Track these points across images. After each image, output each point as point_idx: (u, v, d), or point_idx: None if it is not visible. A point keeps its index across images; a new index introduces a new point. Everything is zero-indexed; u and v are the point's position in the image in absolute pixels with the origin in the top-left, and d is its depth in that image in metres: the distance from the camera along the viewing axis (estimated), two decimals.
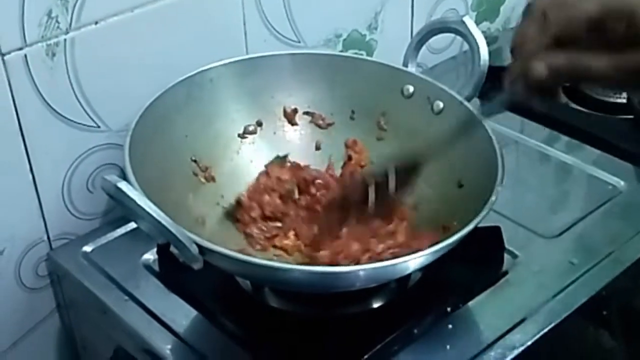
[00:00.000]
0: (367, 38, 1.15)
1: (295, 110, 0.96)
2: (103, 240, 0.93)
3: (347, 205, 0.86)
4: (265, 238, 0.88)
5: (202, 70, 0.90)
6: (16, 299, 0.93)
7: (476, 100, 0.91)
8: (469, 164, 0.85)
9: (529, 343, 0.78)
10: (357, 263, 0.80)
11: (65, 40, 0.85)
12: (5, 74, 0.82)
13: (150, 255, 0.89)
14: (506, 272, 0.86)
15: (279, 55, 0.96)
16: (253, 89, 0.94)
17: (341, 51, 1.12)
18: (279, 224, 0.89)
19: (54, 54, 0.85)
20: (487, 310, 0.82)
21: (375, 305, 0.83)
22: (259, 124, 0.95)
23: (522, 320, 0.80)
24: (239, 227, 0.88)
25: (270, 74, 0.94)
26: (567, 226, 0.92)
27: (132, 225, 0.91)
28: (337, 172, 0.95)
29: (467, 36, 0.89)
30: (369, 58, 1.11)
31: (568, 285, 0.84)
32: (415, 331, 0.79)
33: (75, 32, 0.85)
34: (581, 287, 0.84)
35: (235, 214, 0.89)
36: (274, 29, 1.03)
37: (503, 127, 1.07)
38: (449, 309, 0.82)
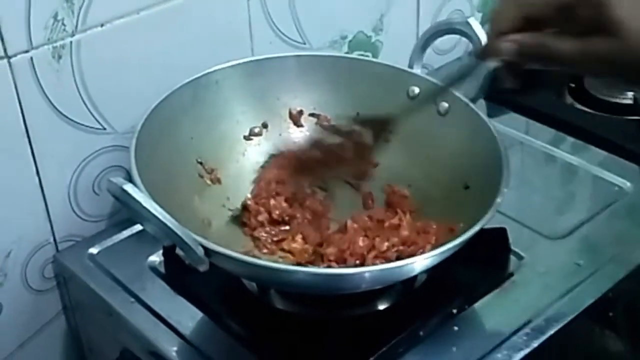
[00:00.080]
0: (373, 39, 1.15)
1: (300, 112, 0.96)
2: (109, 242, 0.93)
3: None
4: (273, 242, 0.88)
5: (208, 72, 0.90)
6: (23, 301, 0.93)
7: (481, 102, 0.91)
8: (474, 165, 0.85)
9: (535, 345, 0.78)
10: (363, 261, 0.80)
11: (71, 42, 0.85)
12: (11, 76, 0.82)
13: (156, 257, 0.89)
14: (512, 274, 0.86)
15: (284, 57, 0.95)
16: (259, 91, 0.94)
17: (347, 53, 1.12)
18: (287, 227, 0.89)
19: (60, 57, 0.85)
20: (493, 311, 0.82)
21: (381, 306, 0.82)
22: (265, 125, 0.95)
23: (528, 322, 0.80)
24: (245, 230, 0.88)
25: (276, 76, 0.94)
26: (573, 227, 0.92)
27: (138, 227, 0.91)
28: None
29: (472, 37, 0.89)
30: (374, 60, 1.11)
31: (574, 287, 0.84)
32: (421, 333, 0.79)
33: (81, 34, 0.85)
34: (587, 288, 0.84)
35: (242, 218, 0.89)
36: (280, 30, 1.03)
37: (508, 127, 1.08)
38: (454, 311, 0.82)
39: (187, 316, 0.82)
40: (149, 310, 0.83)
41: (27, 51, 0.82)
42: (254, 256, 0.82)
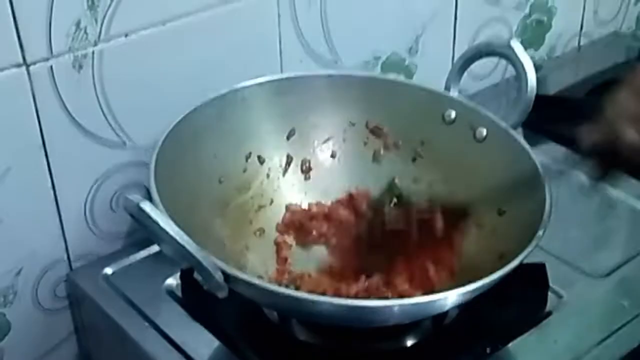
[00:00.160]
0: (407, 62, 1.13)
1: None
2: (125, 262, 0.92)
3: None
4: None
5: (235, 89, 0.88)
6: (33, 321, 0.92)
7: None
8: (511, 192, 0.83)
9: None
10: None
11: (93, 52, 0.84)
12: (29, 85, 0.81)
13: (174, 280, 0.88)
14: (550, 313, 0.84)
15: (315, 76, 0.93)
16: (287, 110, 0.92)
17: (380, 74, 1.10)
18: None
19: (81, 66, 0.83)
20: (529, 352, 0.80)
21: (409, 342, 0.80)
22: (290, 158, 0.93)
23: None
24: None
25: (306, 95, 0.92)
26: (617, 265, 0.90)
27: (156, 247, 0.88)
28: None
29: (514, 61, 0.86)
30: (408, 81, 1.09)
31: (618, 329, 0.81)
32: None
33: (104, 44, 0.84)
34: (632, 331, 0.81)
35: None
36: (311, 48, 1.02)
37: (546, 157, 1.04)
38: (488, 350, 0.79)
39: (204, 344, 0.80)
40: (164, 336, 0.81)
41: (47, 59, 0.81)
42: (278, 283, 0.81)
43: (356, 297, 0.81)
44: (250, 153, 0.90)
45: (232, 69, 0.93)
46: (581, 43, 1.38)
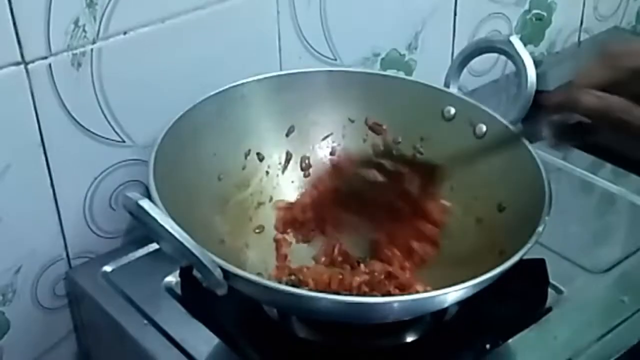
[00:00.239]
0: (406, 58, 1.13)
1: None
2: (124, 260, 0.91)
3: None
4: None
5: (234, 86, 0.88)
6: (32, 319, 0.91)
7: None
8: (511, 187, 0.83)
9: None
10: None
11: (92, 50, 0.83)
12: (28, 83, 0.81)
13: (173, 278, 0.87)
14: (550, 309, 0.83)
15: (315, 72, 0.94)
16: (286, 107, 0.91)
17: (379, 70, 1.10)
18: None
19: (79, 64, 0.83)
20: (529, 348, 0.79)
21: (409, 339, 0.80)
22: (289, 155, 0.93)
23: None
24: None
25: (306, 92, 0.92)
26: (616, 261, 0.89)
27: (155, 245, 0.88)
28: None
29: (513, 57, 0.86)
30: (408, 77, 1.08)
31: (617, 325, 0.81)
32: None
33: (102, 42, 0.84)
34: (632, 327, 0.81)
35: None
36: (310, 45, 1.01)
37: (545, 153, 1.04)
38: (487, 346, 0.79)
39: (203, 341, 0.80)
40: (163, 333, 0.81)
41: (45, 57, 0.81)
42: (278, 280, 0.81)
43: (358, 290, 0.81)
44: (249, 150, 0.90)
45: (231, 66, 0.93)
46: (581, 39, 1.37)
